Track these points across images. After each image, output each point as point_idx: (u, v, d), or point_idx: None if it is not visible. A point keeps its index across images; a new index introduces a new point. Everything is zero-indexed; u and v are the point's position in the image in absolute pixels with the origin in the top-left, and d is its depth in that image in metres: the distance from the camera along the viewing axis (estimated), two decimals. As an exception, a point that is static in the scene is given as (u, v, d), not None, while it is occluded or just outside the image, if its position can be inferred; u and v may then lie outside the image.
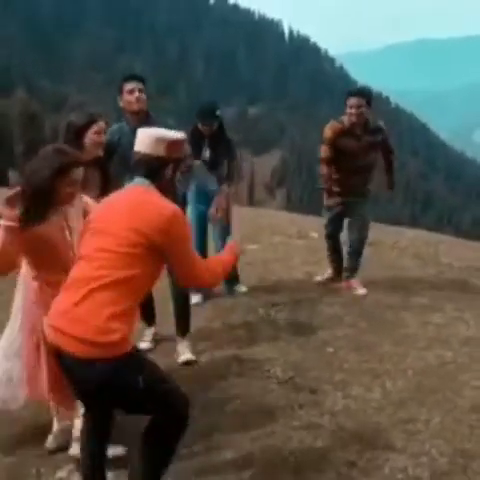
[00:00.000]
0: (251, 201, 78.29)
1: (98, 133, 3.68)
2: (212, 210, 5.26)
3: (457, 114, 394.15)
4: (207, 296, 5.55)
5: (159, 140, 2.52)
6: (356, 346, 4.57)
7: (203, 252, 5.46)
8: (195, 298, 5.34)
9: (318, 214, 6.20)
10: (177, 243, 2.46)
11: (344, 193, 5.67)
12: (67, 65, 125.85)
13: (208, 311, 5.29)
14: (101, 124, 3.70)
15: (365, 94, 5.51)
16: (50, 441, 3.32)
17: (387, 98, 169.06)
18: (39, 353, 3.09)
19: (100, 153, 3.76)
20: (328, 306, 5.40)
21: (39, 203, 2.82)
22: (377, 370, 4.18)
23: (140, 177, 2.57)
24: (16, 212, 2.80)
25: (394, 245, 8.36)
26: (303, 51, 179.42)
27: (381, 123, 5.64)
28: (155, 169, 2.54)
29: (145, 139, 2.56)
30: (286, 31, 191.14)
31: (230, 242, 2.93)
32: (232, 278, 5.67)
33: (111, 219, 2.48)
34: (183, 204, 4.71)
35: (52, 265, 2.96)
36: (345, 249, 5.95)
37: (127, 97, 4.24)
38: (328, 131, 5.52)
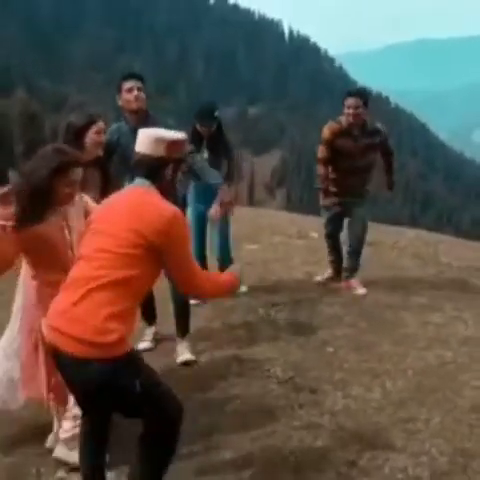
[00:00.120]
0: (251, 201, 78.30)
1: (98, 133, 3.68)
2: (214, 207, 5.24)
3: (457, 114, 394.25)
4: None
5: (159, 140, 2.52)
6: (356, 346, 4.57)
7: (202, 252, 5.46)
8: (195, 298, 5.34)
9: (318, 214, 6.20)
10: (176, 245, 2.45)
11: (342, 193, 5.68)
12: (67, 65, 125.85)
13: (208, 311, 5.29)
14: (101, 124, 3.70)
15: (362, 95, 5.52)
16: (50, 440, 3.32)
17: (387, 98, 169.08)
18: (37, 353, 3.09)
19: (100, 153, 3.76)
20: (328, 306, 5.40)
21: (37, 203, 2.81)
22: (377, 370, 4.18)
23: (140, 178, 2.56)
24: (10, 211, 2.79)
25: (394, 245, 8.36)
26: (303, 51, 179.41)
27: (379, 125, 5.63)
28: (155, 170, 2.54)
29: (145, 139, 2.56)
30: (286, 31, 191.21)
31: (234, 269, 2.90)
32: None
33: (111, 220, 2.48)
34: (183, 205, 4.70)
35: (51, 265, 2.95)
36: (345, 249, 5.96)
37: (126, 96, 4.21)
38: (326, 131, 5.54)
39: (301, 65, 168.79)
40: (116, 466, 2.96)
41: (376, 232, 8.88)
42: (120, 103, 4.28)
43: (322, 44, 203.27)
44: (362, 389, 3.93)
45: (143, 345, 4.55)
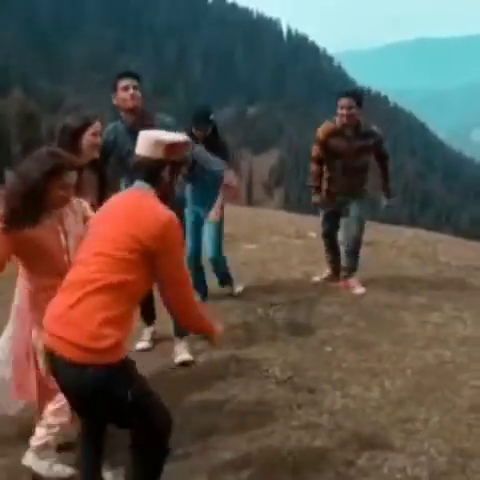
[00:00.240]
0: (249, 201, 78.30)
1: (94, 135, 3.66)
2: (215, 209, 5.24)
3: (456, 113, 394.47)
4: (205, 296, 5.55)
5: (157, 143, 2.50)
6: (355, 345, 4.57)
7: (197, 254, 5.44)
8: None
9: (316, 214, 6.21)
10: (171, 250, 2.42)
11: (339, 193, 5.72)
12: (65, 65, 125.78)
13: (206, 311, 5.27)
14: (97, 126, 3.68)
15: (356, 95, 5.53)
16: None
17: (385, 97, 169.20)
18: (29, 359, 3.07)
19: (96, 155, 3.75)
20: (326, 306, 5.40)
21: (30, 205, 2.78)
22: (376, 369, 4.18)
23: (140, 180, 2.55)
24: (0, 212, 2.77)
25: (392, 244, 8.37)
26: (301, 50, 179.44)
27: (375, 127, 5.63)
28: (154, 172, 2.53)
29: (144, 142, 2.55)
30: (284, 30, 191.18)
31: (218, 326, 2.87)
32: (223, 281, 5.77)
33: (109, 223, 2.47)
34: (182, 206, 4.68)
35: (45, 269, 2.92)
36: (343, 249, 5.96)
37: (121, 94, 4.17)
38: (319, 131, 5.61)
39: (299, 64, 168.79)
40: (114, 466, 2.96)
41: (375, 231, 8.89)
42: (115, 102, 4.23)
43: (321, 43, 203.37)
44: (361, 389, 3.93)
45: (141, 345, 4.55)
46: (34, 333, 2.98)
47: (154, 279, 2.52)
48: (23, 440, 3.39)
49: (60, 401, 2.99)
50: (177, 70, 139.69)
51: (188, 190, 5.34)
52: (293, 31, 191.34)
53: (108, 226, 2.46)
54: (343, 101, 5.41)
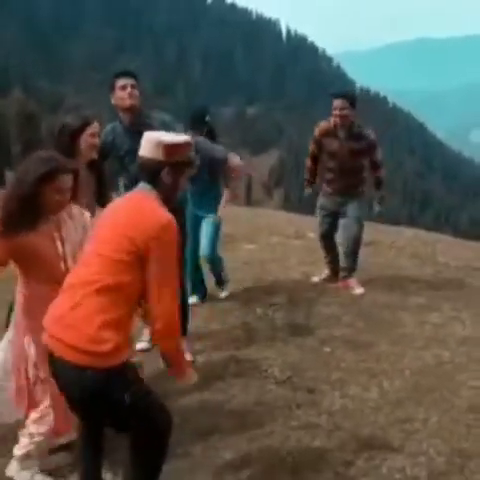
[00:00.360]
0: (249, 201, 78.29)
1: (93, 135, 3.66)
2: (222, 203, 5.23)
3: (454, 114, 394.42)
4: (204, 296, 5.56)
5: (157, 144, 2.49)
6: (353, 346, 4.58)
7: (195, 254, 5.42)
8: (192, 298, 5.34)
9: (315, 214, 6.22)
10: (164, 252, 2.37)
11: (336, 193, 5.77)
12: (65, 65, 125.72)
13: (205, 311, 5.29)
14: (96, 126, 3.68)
15: (349, 96, 5.61)
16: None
17: (385, 98, 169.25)
18: (22, 367, 3.03)
19: (95, 156, 3.74)
20: (325, 306, 5.40)
21: (26, 210, 2.76)
22: (374, 370, 4.18)
23: (143, 182, 2.55)
24: None
25: (392, 245, 8.37)
26: (301, 50, 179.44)
27: (369, 131, 5.63)
28: (155, 173, 2.51)
29: (146, 143, 2.54)
30: (284, 30, 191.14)
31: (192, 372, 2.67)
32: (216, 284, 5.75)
33: (109, 225, 2.47)
34: (185, 206, 4.64)
35: (42, 276, 2.90)
36: (341, 249, 5.97)
37: (119, 93, 4.14)
38: (316, 129, 5.73)
39: (299, 65, 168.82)
40: (114, 466, 2.96)
41: (374, 232, 8.89)
42: (113, 101, 4.21)
43: (320, 43, 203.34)
44: (359, 389, 3.93)
45: (141, 345, 4.55)
46: (27, 339, 2.97)
47: None
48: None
49: (43, 410, 2.97)
50: (177, 70, 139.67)
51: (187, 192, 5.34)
52: (292, 31, 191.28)
53: (108, 228, 2.46)
54: (336, 102, 5.48)
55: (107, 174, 4.07)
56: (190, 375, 2.62)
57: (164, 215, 2.44)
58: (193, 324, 4.67)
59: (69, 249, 2.93)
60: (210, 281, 5.70)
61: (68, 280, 2.50)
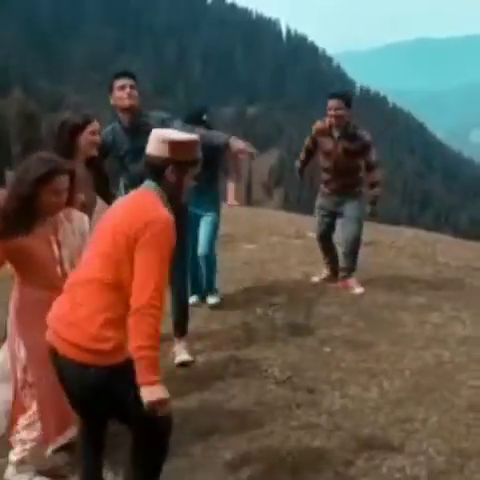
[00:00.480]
0: (249, 201, 78.28)
1: (93, 133, 3.66)
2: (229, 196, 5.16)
3: (454, 114, 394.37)
4: (202, 296, 5.54)
5: (163, 141, 2.48)
6: (353, 346, 4.57)
7: (194, 254, 5.39)
8: (192, 298, 5.34)
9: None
10: (151, 245, 2.32)
11: (333, 193, 5.80)
12: (66, 65, 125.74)
13: (205, 311, 5.29)
14: (96, 124, 3.69)
15: (344, 96, 5.63)
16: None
17: (385, 98, 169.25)
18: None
19: (94, 153, 3.74)
20: (325, 306, 5.40)
21: (22, 212, 2.75)
22: (374, 370, 4.18)
23: (148, 179, 2.54)
24: None
25: (392, 245, 8.37)
26: (301, 50, 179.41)
27: (364, 132, 5.65)
28: (159, 171, 2.50)
29: (152, 140, 2.53)
30: (284, 30, 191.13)
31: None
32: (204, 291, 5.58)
33: (110, 224, 2.47)
34: (187, 208, 4.59)
35: (37, 280, 2.88)
36: (340, 250, 5.97)
37: (118, 93, 4.14)
38: (313, 127, 5.80)
39: (299, 65, 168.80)
40: (115, 466, 2.96)
41: (374, 232, 8.89)
42: (112, 102, 4.21)
43: (319, 43, 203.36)
44: (359, 389, 3.93)
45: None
46: (17, 342, 2.96)
47: None
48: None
49: (32, 416, 2.95)
50: (177, 70, 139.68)
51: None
52: (292, 31, 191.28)
53: (108, 227, 2.46)
54: (331, 102, 5.51)
55: (108, 172, 4.07)
56: (158, 391, 2.24)
57: (162, 212, 2.42)
58: (193, 324, 4.67)
59: (66, 253, 2.91)
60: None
61: (70, 280, 2.51)
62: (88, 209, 3.63)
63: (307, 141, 5.92)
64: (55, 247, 2.89)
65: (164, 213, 2.42)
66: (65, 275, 2.83)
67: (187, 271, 4.72)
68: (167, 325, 4.57)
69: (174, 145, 2.48)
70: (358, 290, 5.75)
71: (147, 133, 4.13)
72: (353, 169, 5.71)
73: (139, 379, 2.23)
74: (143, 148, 4.12)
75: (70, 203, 2.97)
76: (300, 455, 3.22)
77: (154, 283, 2.29)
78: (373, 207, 5.88)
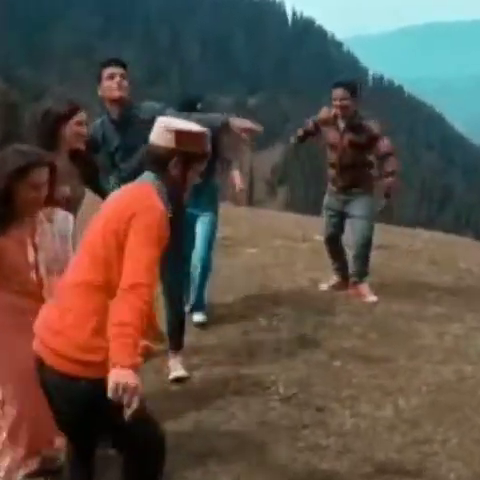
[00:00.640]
0: (250, 200, 78.30)
1: (79, 123, 3.64)
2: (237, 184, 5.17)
3: (472, 103, 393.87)
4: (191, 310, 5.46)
5: (168, 129, 2.46)
6: (365, 359, 4.58)
7: (189, 259, 5.39)
8: (187, 307, 5.27)
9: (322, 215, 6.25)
10: (136, 230, 2.30)
11: (340, 191, 5.86)
12: (49, 53, 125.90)
13: (203, 323, 5.29)
14: (83, 114, 3.67)
15: (350, 85, 5.69)
16: None
17: (400, 87, 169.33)
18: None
19: (80, 146, 3.73)
20: (335, 316, 5.41)
21: None
22: (388, 386, 4.19)
23: (147, 170, 2.52)
24: None
25: (408, 249, 8.38)
26: (308, 35, 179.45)
27: (371, 122, 5.68)
28: (161, 162, 2.47)
29: (157, 128, 2.51)
30: (289, 13, 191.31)
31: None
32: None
33: (102, 222, 2.47)
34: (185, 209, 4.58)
35: (7, 285, 2.86)
36: (350, 253, 5.98)
37: (107, 83, 4.11)
38: (320, 112, 5.90)
39: (306, 50, 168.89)
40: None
41: (389, 235, 8.90)
42: (100, 93, 4.18)
43: (328, 27, 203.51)
44: (372, 407, 3.93)
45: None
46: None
47: None
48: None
49: (4, 442, 2.93)
50: (171, 56, 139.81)
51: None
52: (298, 14, 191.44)
53: (100, 226, 2.45)
54: (336, 92, 5.58)
55: (98, 165, 4.07)
56: (129, 376, 2.09)
57: (155, 203, 2.40)
58: (189, 335, 4.66)
59: (42, 257, 2.88)
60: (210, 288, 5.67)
61: (59, 284, 2.51)
62: (74, 203, 3.64)
63: (309, 124, 5.99)
64: (31, 250, 2.87)
65: (158, 204, 2.41)
66: (40, 280, 2.82)
67: (183, 280, 4.71)
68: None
69: (181, 135, 2.45)
70: (371, 298, 5.75)
71: (138, 127, 4.16)
72: (360, 164, 5.74)
73: (111, 358, 2.12)
74: (134, 144, 4.16)
75: (51, 199, 2.95)
76: (307, 479, 3.22)
77: (143, 264, 2.27)
78: (387, 200, 5.82)
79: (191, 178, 2.54)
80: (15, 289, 2.85)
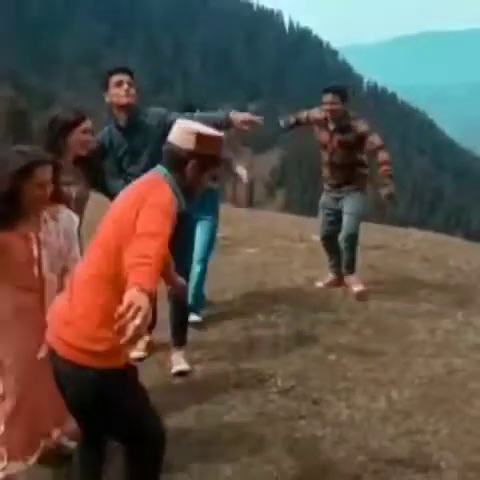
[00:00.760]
0: (250, 202, 78.29)
1: (85, 132, 3.66)
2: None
3: (463, 109, 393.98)
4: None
5: (189, 131, 2.44)
6: (360, 354, 4.58)
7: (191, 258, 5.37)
8: (194, 317, 5.14)
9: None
10: (149, 207, 2.26)
11: (333, 189, 5.93)
12: (56, 61, 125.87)
13: (204, 318, 5.28)
14: (88, 122, 3.69)
15: (339, 91, 5.75)
16: None
17: (393, 94, 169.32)
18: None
19: (84, 153, 3.73)
20: (331, 312, 5.41)
21: (5, 209, 2.72)
22: (382, 379, 4.19)
23: (161, 165, 2.49)
24: None
25: (401, 248, 8.37)
26: (304, 44, 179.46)
27: (357, 123, 5.68)
28: (179, 163, 2.44)
29: (178, 130, 2.48)
30: (286, 23, 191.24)
31: None
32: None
33: (113, 213, 2.46)
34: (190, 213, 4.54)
35: (9, 279, 2.83)
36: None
37: (115, 90, 4.11)
38: (313, 110, 5.95)
39: (302, 59, 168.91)
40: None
41: (383, 234, 8.90)
42: (108, 99, 4.18)
43: (324, 36, 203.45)
44: (366, 399, 3.93)
45: (135, 354, 4.54)
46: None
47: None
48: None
49: (1, 437, 2.89)
50: (174, 65, 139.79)
51: None
52: (295, 24, 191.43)
53: (110, 219, 2.45)
54: (326, 97, 5.65)
55: (103, 170, 4.08)
56: (142, 300, 1.97)
57: (166, 191, 2.38)
58: (190, 331, 4.66)
59: (46, 253, 2.86)
60: (209, 285, 5.66)
61: (71, 277, 2.50)
62: (79, 205, 3.65)
63: (304, 115, 6.01)
64: (34, 246, 2.85)
65: (169, 192, 2.38)
66: (42, 276, 2.80)
67: (188, 277, 4.67)
68: (165, 333, 4.58)
69: (201, 138, 2.43)
70: (356, 288, 5.79)
71: (145, 132, 4.16)
72: (351, 163, 5.78)
73: (131, 280, 2.04)
74: (141, 149, 4.16)
75: (55, 197, 2.94)
76: (304, 468, 3.22)
77: (157, 222, 2.22)
78: (388, 186, 5.66)
79: (205, 181, 2.53)
80: (17, 284, 2.83)
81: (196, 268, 5.32)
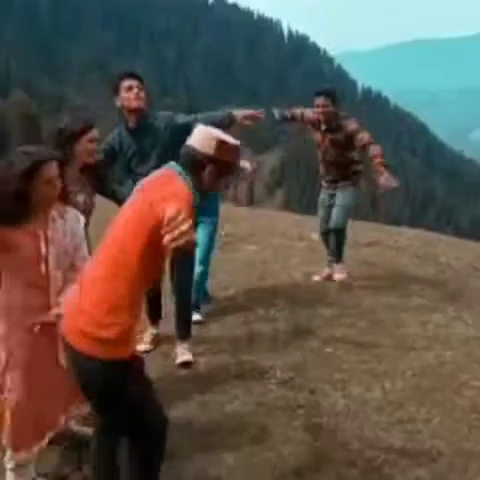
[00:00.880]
0: (251, 201, 78.26)
1: (91, 141, 3.64)
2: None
3: (454, 113, 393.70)
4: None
5: (210, 137, 2.42)
6: (355, 346, 4.57)
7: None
8: (196, 316, 5.06)
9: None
10: (175, 202, 2.22)
11: (328, 186, 6.01)
12: (66, 67, 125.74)
13: (207, 312, 5.28)
14: (95, 131, 3.66)
15: (330, 94, 5.78)
16: None
17: (386, 99, 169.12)
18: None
19: (91, 161, 3.72)
20: (327, 306, 5.40)
21: (17, 207, 2.69)
22: (376, 370, 4.18)
23: (176, 164, 2.45)
24: None
25: (393, 245, 8.36)
26: (302, 51, 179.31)
27: (346, 122, 5.70)
28: (198, 167, 2.41)
29: (198, 134, 2.45)
30: (285, 31, 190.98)
31: None
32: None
33: (124, 213, 2.45)
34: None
35: (17, 276, 2.80)
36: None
37: (125, 94, 4.11)
38: (305, 112, 6.03)
39: (301, 65, 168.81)
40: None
41: (376, 232, 8.88)
42: (118, 103, 4.17)
43: (321, 43, 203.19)
44: (361, 389, 3.93)
45: (141, 347, 4.54)
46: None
47: (158, 268, 2.48)
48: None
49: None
50: (177, 73, 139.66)
51: None
52: (294, 32, 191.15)
53: (123, 216, 2.43)
54: (318, 100, 5.71)
55: (110, 176, 4.06)
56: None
57: (184, 185, 2.36)
58: (193, 326, 4.66)
59: (53, 251, 2.83)
60: (211, 280, 5.66)
61: (84, 273, 2.48)
62: (86, 210, 3.63)
63: (298, 113, 6.07)
64: (42, 244, 2.80)
65: (185, 186, 2.36)
66: (48, 273, 2.78)
67: (193, 272, 4.65)
68: (170, 326, 4.58)
69: (222, 144, 2.41)
70: (337, 276, 5.90)
71: (153, 134, 4.15)
72: (343, 161, 5.83)
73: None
74: (149, 150, 4.14)
75: (64, 198, 2.91)
76: (302, 456, 3.22)
77: (183, 208, 2.19)
78: (387, 171, 5.47)
79: (218, 187, 2.51)
80: (26, 281, 2.79)
81: (197, 269, 5.30)
